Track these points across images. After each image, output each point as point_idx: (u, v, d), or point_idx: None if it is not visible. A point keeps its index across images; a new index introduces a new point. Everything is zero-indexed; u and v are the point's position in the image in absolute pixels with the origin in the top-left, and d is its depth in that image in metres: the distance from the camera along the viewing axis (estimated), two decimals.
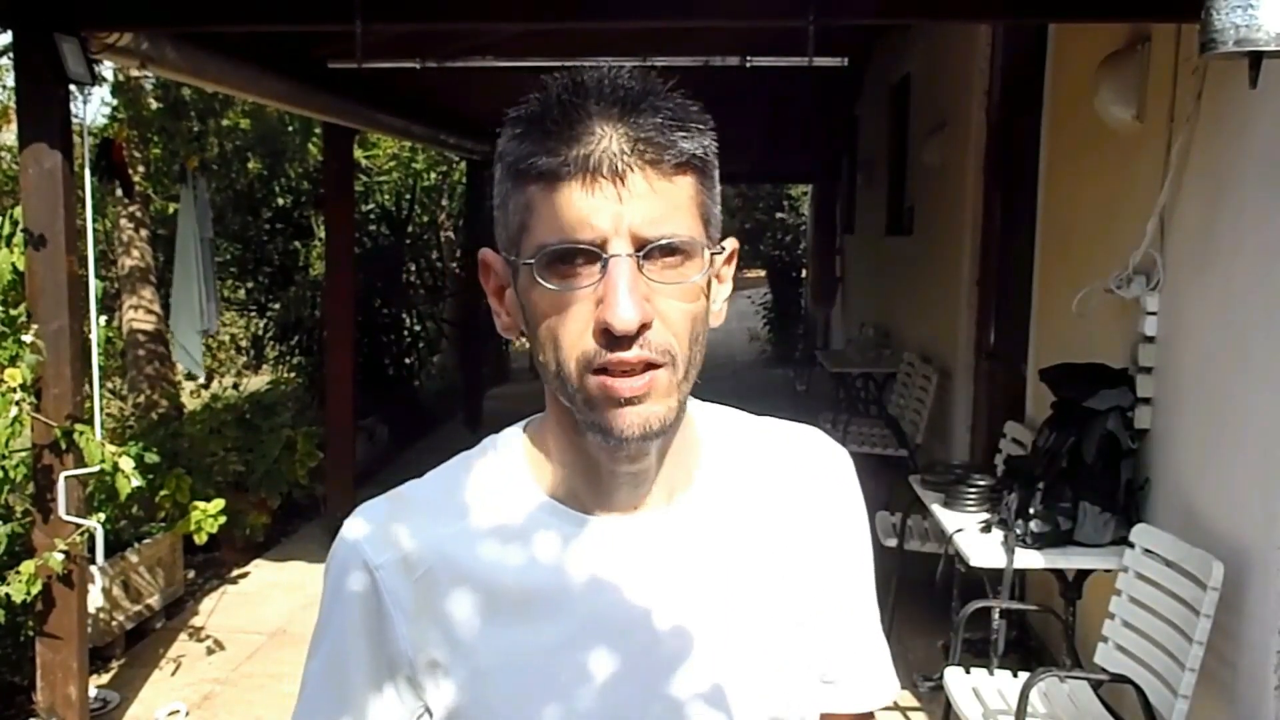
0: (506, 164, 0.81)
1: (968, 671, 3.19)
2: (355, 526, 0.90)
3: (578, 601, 0.86)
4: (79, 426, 3.35)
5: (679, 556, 0.88)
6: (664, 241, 0.78)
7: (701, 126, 0.81)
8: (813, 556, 0.94)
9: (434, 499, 0.91)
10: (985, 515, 3.45)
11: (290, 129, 8.81)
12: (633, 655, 0.86)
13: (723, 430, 0.95)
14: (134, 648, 4.58)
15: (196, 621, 4.88)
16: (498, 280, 0.87)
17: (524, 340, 0.87)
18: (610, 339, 0.77)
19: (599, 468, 0.87)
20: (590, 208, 0.76)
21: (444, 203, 11.60)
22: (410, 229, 9.94)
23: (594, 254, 0.77)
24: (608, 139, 0.77)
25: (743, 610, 0.89)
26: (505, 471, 0.90)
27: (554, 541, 0.87)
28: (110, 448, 3.45)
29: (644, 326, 0.78)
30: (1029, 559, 3.19)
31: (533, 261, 0.79)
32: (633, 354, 0.78)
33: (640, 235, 0.77)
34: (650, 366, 0.79)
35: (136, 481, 3.50)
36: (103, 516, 3.56)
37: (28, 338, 3.27)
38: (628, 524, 0.88)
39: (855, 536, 0.98)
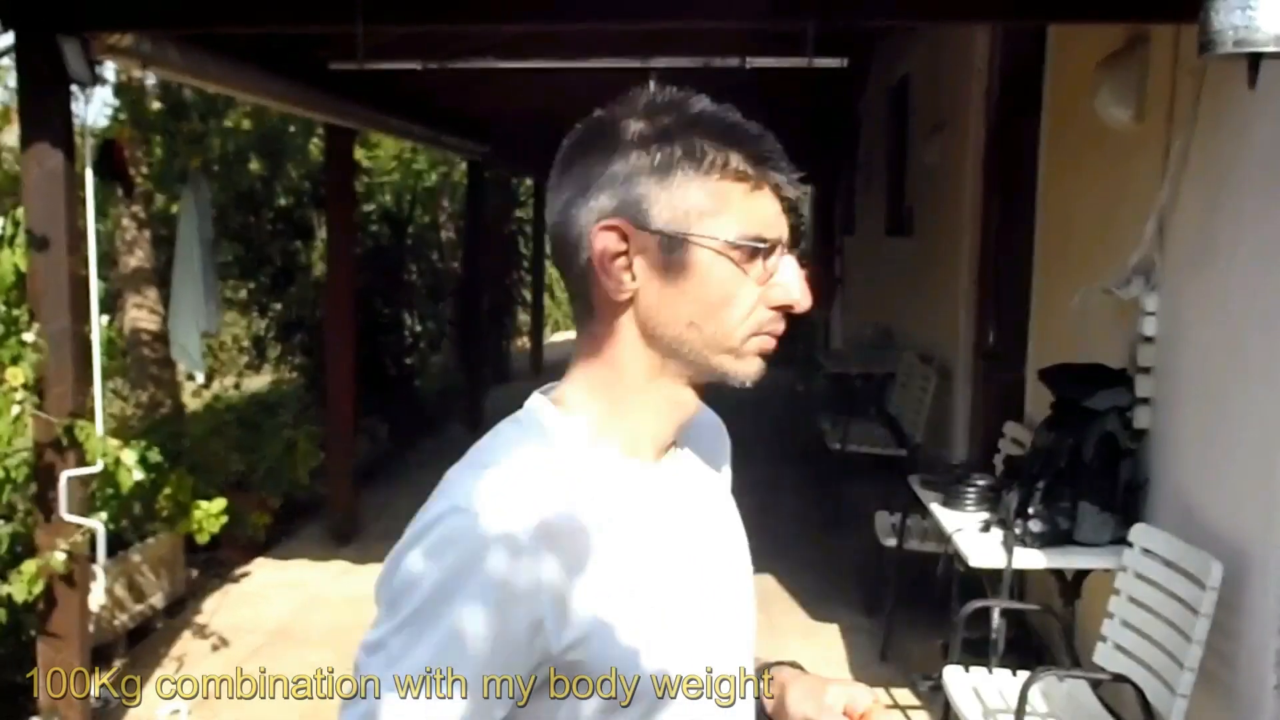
0: (693, 156, 0.93)
1: (967, 671, 3.19)
2: (479, 500, 0.88)
3: (657, 539, 0.97)
4: (80, 422, 3.35)
5: (694, 499, 1.04)
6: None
7: None
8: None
9: (526, 471, 0.92)
10: (985, 515, 3.46)
11: (291, 129, 8.80)
12: (707, 584, 1.01)
13: None
14: (136, 647, 4.59)
15: (199, 621, 4.89)
16: (637, 246, 0.94)
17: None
18: (784, 313, 0.97)
19: (656, 424, 0.99)
20: (776, 212, 0.96)
21: (445, 203, 11.60)
22: (411, 229, 9.94)
23: (773, 248, 0.95)
24: (782, 159, 0.97)
25: (740, 551, 1.09)
26: (565, 432, 0.97)
27: (629, 489, 0.97)
28: (112, 441, 3.46)
29: None
30: (1028, 559, 3.20)
31: (721, 241, 0.93)
32: (782, 325, 0.98)
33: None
34: None
35: (138, 474, 3.50)
36: (104, 516, 3.56)
37: (30, 337, 3.28)
38: (667, 469, 1.02)
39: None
